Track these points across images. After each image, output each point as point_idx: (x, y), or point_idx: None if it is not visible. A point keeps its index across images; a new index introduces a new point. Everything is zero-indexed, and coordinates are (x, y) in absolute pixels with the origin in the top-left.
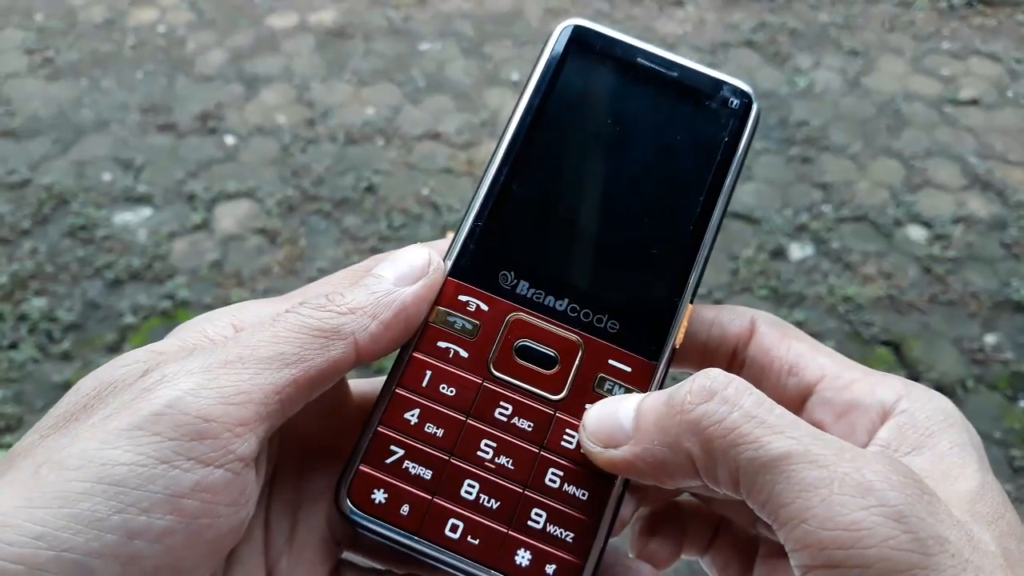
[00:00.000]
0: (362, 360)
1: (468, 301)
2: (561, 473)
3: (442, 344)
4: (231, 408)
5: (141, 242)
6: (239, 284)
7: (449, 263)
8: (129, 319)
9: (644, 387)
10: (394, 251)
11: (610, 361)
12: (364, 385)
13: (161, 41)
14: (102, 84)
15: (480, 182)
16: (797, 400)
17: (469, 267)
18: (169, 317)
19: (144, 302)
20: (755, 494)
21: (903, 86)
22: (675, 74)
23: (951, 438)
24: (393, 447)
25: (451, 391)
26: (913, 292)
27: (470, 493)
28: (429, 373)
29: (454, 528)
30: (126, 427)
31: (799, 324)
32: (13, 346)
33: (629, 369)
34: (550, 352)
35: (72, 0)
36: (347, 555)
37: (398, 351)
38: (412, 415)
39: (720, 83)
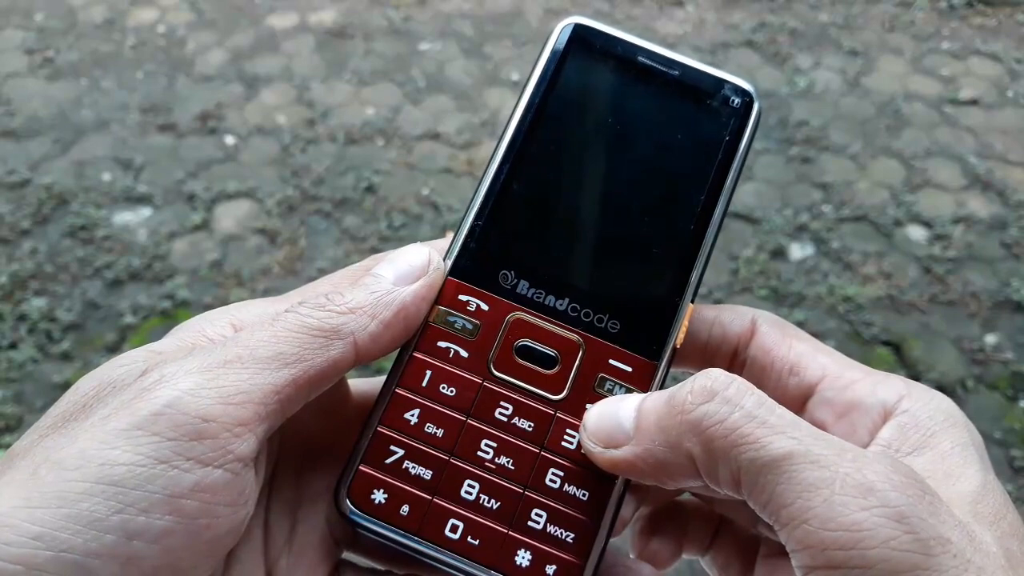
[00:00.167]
0: (361, 360)
1: (468, 301)
2: (561, 473)
3: (442, 344)
4: (230, 408)
5: (141, 242)
6: (239, 284)
7: (449, 262)
8: (129, 319)
9: (645, 387)
10: (394, 250)
11: (611, 361)
12: (364, 385)
13: (161, 41)
14: (102, 84)
15: (480, 181)
16: (798, 400)
17: (469, 266)
18: (169, 317)
19: (144, 302)
20: (756, 494)
21: (903, 86)
22: (676, 72)
23: (952, 438)
24: (393, 447)
25: (451, 391)
26: (913, 292)
27: (470, 493)
28: (429, 373)
29: (454, 528)
30: (125, 427)
31: (799, 324)
32: (13, 346)
33: (630, 369)
34: (550, 352)
35: (72, 0)
36: (347, 555)
37: (398, 351)
38: (412, 415)
39: (721, 81)
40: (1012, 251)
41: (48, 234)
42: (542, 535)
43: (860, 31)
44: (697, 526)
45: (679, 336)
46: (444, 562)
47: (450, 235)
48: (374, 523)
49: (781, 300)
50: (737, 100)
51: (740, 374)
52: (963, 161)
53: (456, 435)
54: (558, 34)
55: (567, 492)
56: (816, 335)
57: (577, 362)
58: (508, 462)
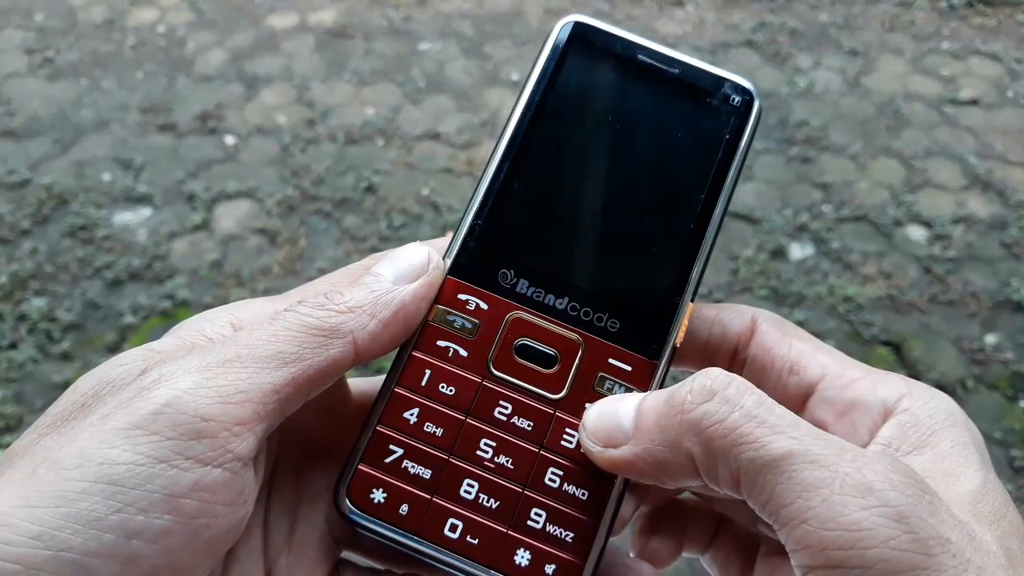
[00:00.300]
0: (361, 359)
1: (468, 300)
2: (561, 473)
3: (441, 343)
4: (229, 407)
5: (141, 242)
6: (239, 284)
7: (449, 261)
8: (129, 319)
9: (644, 386)
10: (393, 249)
11: (610, 360)
12: (363, 384)
13: (161, 41)
14: (102, 84)
15: (480, 180)
16: (798, 399)
17: (469, 265)
18: (169, 317)
19: (144, 302)
20: (756, 494)
21: (903, 86)
22: (676, 71)
23: (953, 437)
24: (392, 446)
25: (450, 390)
26: (913, 292)
27: (469, 493)
28: (428, 372)
29: (453, 528)
30: (124, 426)
31: (799, 324)
32: (13, 346)
33: (629, 368)
34: (550, 351)
35: (72, 0)
36: (346, 554)
37: (397, 350)
38: (411, 414)
39: (721, 80)
40: (1012, 251)
41: (48, 234)
42: (541, 534)
43: (860, 31)
44: (697, 524)
45: (679, 335)
46: (443, 561)
47: (450, 234)
48: (373, 522)
49: (781, 300)
50: (737, 98)
51: (740, 373)
52: (963, 161)
53: (455, 434)
54: (558, 32)
55: (566, 491)
56: (816, 335)
57: (577, 361)
58: (507, 461)
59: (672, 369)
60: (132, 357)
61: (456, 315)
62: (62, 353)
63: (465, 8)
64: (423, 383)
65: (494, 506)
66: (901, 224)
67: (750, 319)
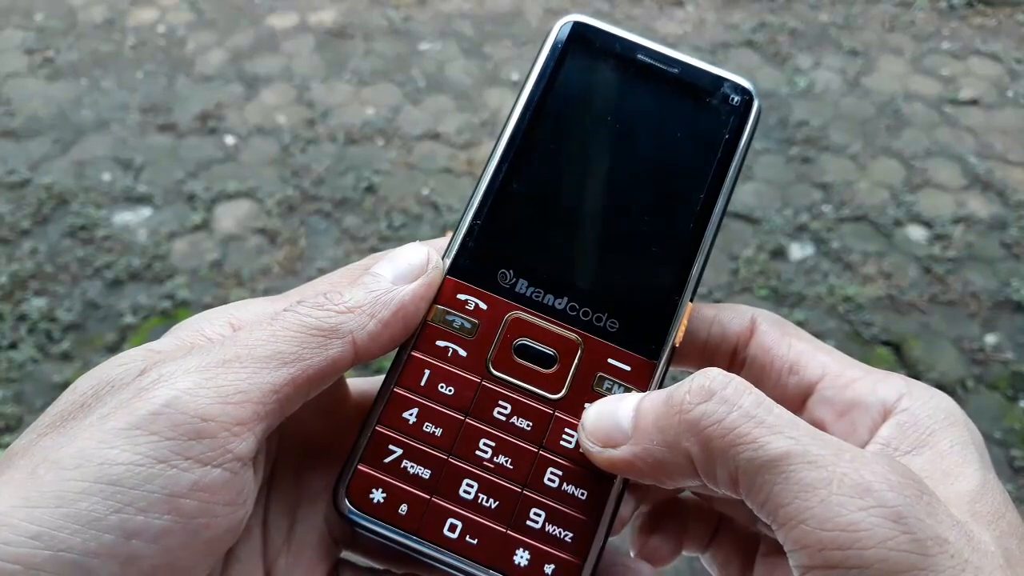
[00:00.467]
0: (360, 359)
1: (467, 300)
2: (560, 472)
3: (441, 343)
4: (229, 407)
5: (141, 242)
6: (239, 284)
7: (448, 261)
8: (129, 319)
9: (643, 386)
10: (393, 249)
11: (609, 360)
12: (363, 384)
13: (161, 41)
14: (102, 84)
15: (479, 180)
16: (798, 399)
17: (468, 265)
18: (169, 317)
19: (144, 302)
20: (754, 494)
21: (903, 86)
22: (675, 70)
23: (952, 437)
24: (391, 446)
25: (450, 390)
26: (913, 292)
27: (469, 493)
28: (428, 372)
29: (453, 528)
30: (123, 426)
31: (799, 324)
32: (13, 346)
33: (628, 368)
34: (549, 351)
35: (72, 0)
36: (346, 554)
37: (396, 350)
38: (410, 414)
39: (721, 79)
40: (1012, 251)
41: (48, 234)
42: (541, 534)
43: (860, 31)
44: (697, 523)
45: (678, 335)
46: (443, 561)
47: (449, 234)
48: (373, 522)
49: (781, 300)
50: (737, 98)
51: (740, 373)
52: (963, 161)
53: (455, 434)
54: (557, 32)
55: (566, 491)
56: (816, 335)
57: (576, 361)
58: (507, 461)
59: (671, 369)
60: (131, 357)
61: (455, 315)
62: (62, 353)
63: (465, 8)
64: (422, 383)
65: (493, 506)
66: (901, 224)
67: (749, 319)
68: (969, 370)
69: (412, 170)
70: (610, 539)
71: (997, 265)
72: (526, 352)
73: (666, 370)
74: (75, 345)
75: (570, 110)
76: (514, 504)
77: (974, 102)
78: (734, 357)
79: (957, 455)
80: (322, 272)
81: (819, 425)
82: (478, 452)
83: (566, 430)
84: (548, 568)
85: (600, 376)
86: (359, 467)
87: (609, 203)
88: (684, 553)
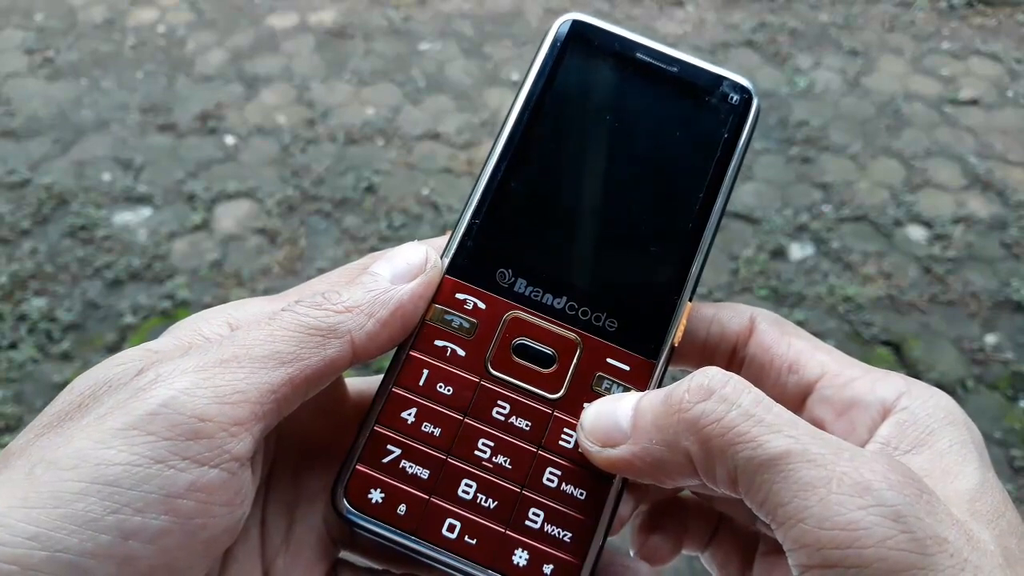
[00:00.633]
0: (359, 359)
1: (465, 299)
2: (559, 472)
3: (439, 343)
4: (226, 407)
5: (141, 242)
6: (239, 284)
7: (446, 261)
8: (129, 319)
9: (642, 386)
10: (391, 249)
11: (608, 360)
12: (361, 384)
13: (161, 41)
14: (102, 84)
15: (477, 179)
16: (797, 398)
17: (466, 265)
18: (169, 317)
19: (144, 302)
20: (753, 493)
21: (903, 86)
22: (674, 69)
23: (951, 436)
24: (390, 446)
25: (448, 390)
26: (913, 292)
27: (467, 493)
28: (426, 372)
29: (451, 528)
30: (121, 427)
31: (799, 324)
32: (13, 346)
33: (627, 368)
34: (548, 351)
35: (72, 0)
36: (344, 555)
37: (395, 350)
38: (409, 414)
39: (720, 78)
40: (1012, 251)
41: (48, 234)
42: (539, 534)
43: (860, 31)
44: (696, 522)
45: (677, 334)
46: (441, 562)
47: (448, 234)
48: (371, 523)
49: (781, 300)
50: (736, 97)
51: (739, 373)
52: (963, 161)
53: (453, 434)
54: (556, 30)
55: (565, 491)
56: (816, 335)
57: (575, 361)
58: (505, 461)
59: (671, 369)
60: (129, 357)
61: (454, 315)
62: (62, 353)
63: (465, 8)
64: (421, 383)
65: (492, 506)
66: (901, 224)
67: (749, 318)
68: (969, 370)
69: (412, 170)
70: (609, 539)
71: (997, 265)
72: (525, 352)
73: (665, 369)
74: (75, 345)
75: (569, 109)
76: (513, 504)
77: (974, 102)
78: (733, 356)
79: (956, 454)
80: (322, 272)
81: (818, 424)
82: (477, 452)
83: (565, 430)
84: (547, 568)
85: (599, 376)
86: (357, 467)
87: (608, 202)
88: (684, 552)
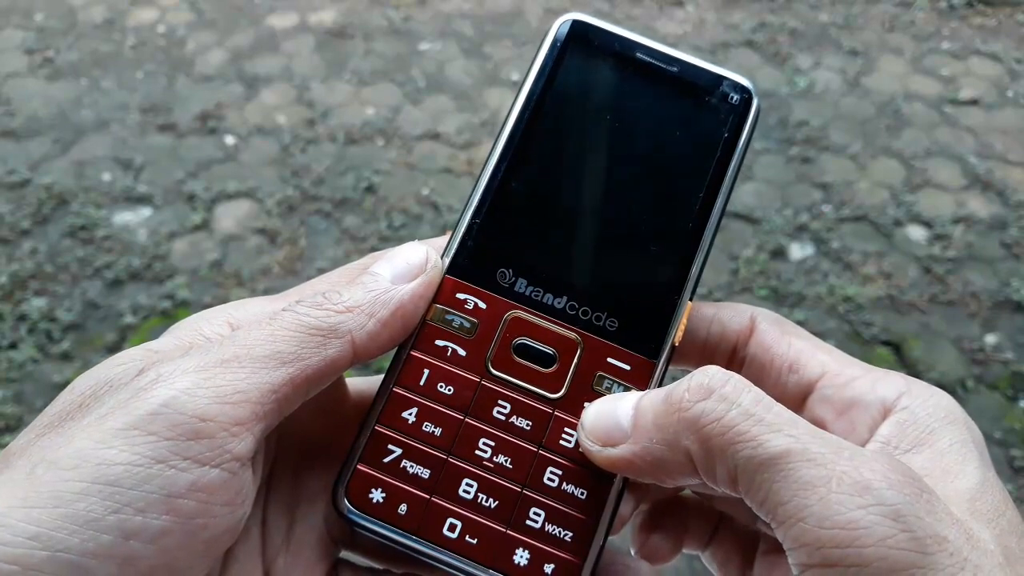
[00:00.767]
0: (359, 359)
1: (466, 299)
2: (560, 472)
3: (440, 342)
4: (227, 407)
5: (141, 242)
6: (239, 284)
7: (447, 261)
8: (129, 319)
9: (643, 385)
10: (391, 249)
11: (609, 359)
12: (362, 384)
13: (161, 41)
14: (102, 84)
15: (478, 179)
16: (798, 397)
17: (467, 265)
18: (169, 317)
19: (144, 302)
20: (753, 492)
21: (903, 86)
22: (674, 69)
23: (952, 435)
24: (391, 446)
25: (449, 390)
26: (913, 292)
27: (468, 492)
28: (427, 372)
29: (452, 527)
30: (122, 426)
31: (799, 324)
32: (13, 346)
33: (628, 367)
34: (548, 350)
35: (72, 0)
36: (345, 554)
37: (395, 349)
38: (410, 414)
39: (720, 78)
40: (1012, 251)
41: (48, 234)
42: (540, 534)
43: (860, 31)
44: (697, 522)
45: (677, 334)
46: (442, 561)
47: (449, 233)
48: (372, 522)
49: (781, 300)
50: (736, 96)
51: (739, 372)
52: (963, 161)
53: (454, 434)
54: (556, 30)
55: (565, 491)
56: (816, 335)
57: (575, 360)
58: (506, 461)
59: (671, 368)
60: (130, 357)
61: (455, 314)
62: (62, 353)
63: (465, 8)
64: (422, 382)
65: (493, 506)
66: (901, 224)
67: (749, 317)
68: (969, 370)
69: (412, 170)
70: (610, 538)
71: (997, 265)
72: (525, 351)
73: (666, 369)
74: (75, 345)
75: (569, 109)
76: (514, 504)
77: (974, 102)
78: (734, 356)
79: (957, 453)
80: (322, 272)
81: (819, 423)
82: (478, 452)
83: (565, 429)
84: (548, 567)
85: (599, 375)
86: (358, 467)
87: (608, 202)
88: (684, 551)
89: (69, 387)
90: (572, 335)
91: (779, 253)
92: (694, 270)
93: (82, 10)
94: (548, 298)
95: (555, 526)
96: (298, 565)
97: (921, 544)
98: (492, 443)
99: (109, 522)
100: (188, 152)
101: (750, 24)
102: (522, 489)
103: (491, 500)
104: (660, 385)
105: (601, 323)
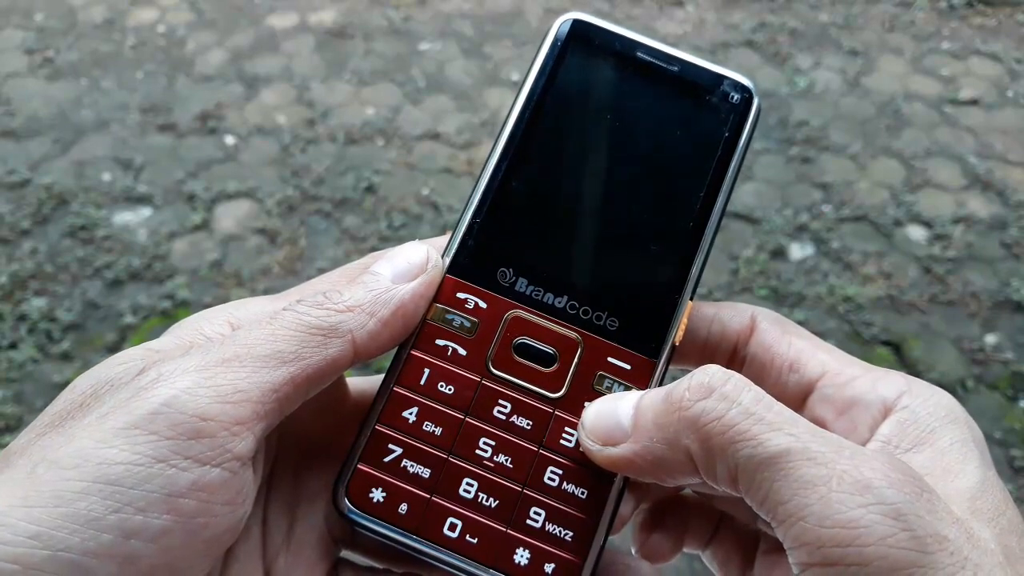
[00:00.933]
0: (360, 358)
1: (466, 298)
2: (560, 471)
3: (440, 342)
4: (228, 407)
5: (141, 242)
6: (239, 284)
7: (447, 260)
8: (129, 319)
9: (643, 385)
10: (392, 248)
11: (609, 359)
12: (362, 383)
13: (161, 41)
14: (102, 84)
15: (478, 178)
16: (798, 397)
17: (467, 264)
18: (169, 317)
19: (144, 302)
20: (753, 491)
21: (903, 86)
22: (675, 68)
23: (952, 434)
24: (391, 446)
25: (449, 389)
26: (913, 292)
27: (469, 492)
28: (427, 371)
29: (452, 527)
30: (122, 426)
31: (799, 324)
32: (13, 346)
33: (628, 367)
34: (549, 350)
35: (72, 0)
36: (345, 554)
37: (396, 349)
38: (410, 413)
39: (720, 77)
40: (1012, 251)
41: (48, 234)
42: (541, 533)
43: (860, 31)
44: (697, 521)
45: (678, 333)
46: (443, 561)
47: (449, 233)
48: (372, 522)
49: (781, 300)
50: (736, 96)
51: (740, 372)
52: (963, 161)
53: (454, 433)
54: (556, 30)
55: (566, 490)
56: (816, 335)
57: (576, 360)
58: (507, 460)
59: (671, 368)
60: (130, 356)
61: (455, 314)
62: (62, 353)
63: (465, 8)
64: (422, 382)
65: (493, 505)
66: (901, 224)
67: (749, 317)
68: (969, 370)
69: (412, 170)
70: (610, 538)
71: (997, 265)
72: (526, 351)
73: (666, 369)
74: (75, 345)
75: (569, 108)
76: (514, 503)
77: (974, 102)
78: (734, 355)
79: (957, 452)
80: (322, 272)
81: (819, 423)
82: (478, 451)
83: (566, 429)
84: (548, 567)
85: (600, 375)
86: (359, 466)
87: (609, 201)
88: (684, 551)
89: (70, 386)
90: (572, 334)
91: (779, 253)
92: (694, 270)
93: (82, 10)
94: (548, 297)
95: (555, 526)
96: (299, 564)
97: (921, 543)
98: (492, 443)
99: (110, 521)
100: (188, 152)
101: (750, 24)
102: (522, 489)
103: (491, 500)
104: (660, 384)
105: (601, 322)
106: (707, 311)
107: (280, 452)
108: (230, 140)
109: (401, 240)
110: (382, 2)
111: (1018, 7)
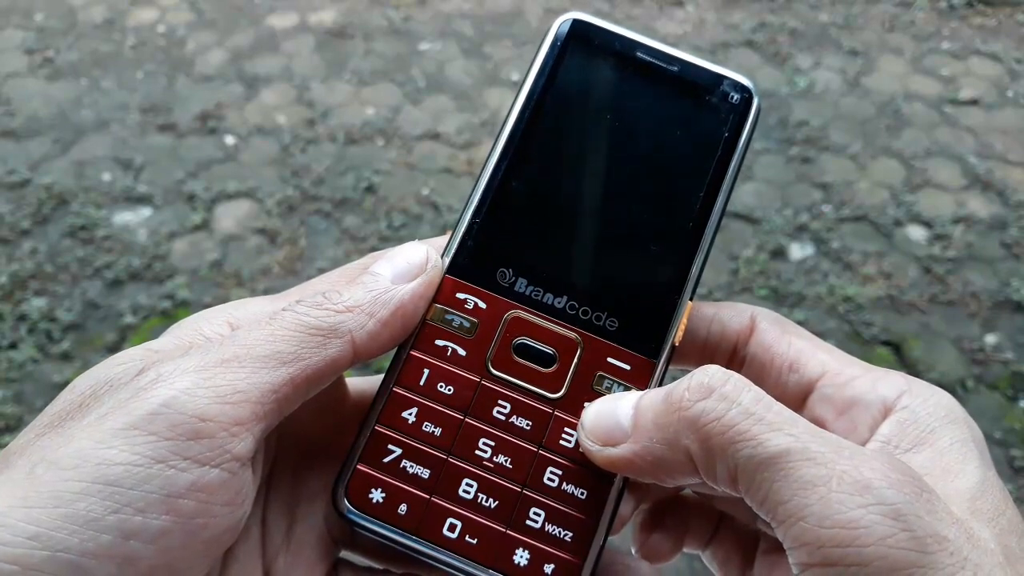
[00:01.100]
0: (359, 359)
1: (466, 299)
2: (560, 472)
3: (440, 342)
4: (227, 407)
5: (141, 242)
6: (239, 284)
7: (447, 260)
8: (129, 319)
9: (643, 385)
10: (392, 248)
11: (609, 359)
12: (362, 383)
13: (161, 41)
14: (102, 84)
15: (478, 178)
16: (798, 397)
17: (467, 264)
18: (169, 317)
19: (144, 302)
20: (753, 491)
21: (903, 86)
22: (675, 68)
23: (952, 434)
24: (391, 446)
25: (449, 390)
26: (913, 292)
27: (468, 492)
28: (427, 371)
29: (452, 527)
30: (122, 426)
31: (799, 324)
32: (13, 346)
33: (628, 367)
34: (548, 350)
35: (72, 0)
36: (345, 554)
37: (396, 349)
38: (410, 414)
39: (720, 77)
40: (1012, 251)
41: (48, 234)
42: (540, 534)
43: (860, 31)
44: (697, 521)
45: (678, 334)
46: (442, 561)
47: (449, 233)
48: (372, 522)
49: (781, 300)
50: (736, 96)
51: (740, 372)
52: (963, 161)
53: (454, 434)
54: (556, 29)
55: (565, 491)
56: (816, 335)
57: (575, 360)
58: (506, 461)
59: (671, 368)
60: (130, 356)
61: (455, 314)
62: (62, 353)
63: (465, 8)
64: (421, 382)
65: (493, 506)
66: (901, 224)
67: (749, 317)
68: (969, 370)
69: (412, 170)
70: (610, 538)
71: (997, 265)
72: (526, 351)
73: (666, 369)
74: (75, 345)
75: (569, 108)
76: (514, 504)
77: (974, 102)
78: (734, 355)
79: (957, 452)
80: (322, 272)
81: (819, 423)
82: (478, 452)
83: (566, 429)
84: (548, 567)
85: (600, 375)
86: (358, 467)
87: (609, 202)
88: (684, 551)
89: (69, 387)
90: (572, 335)
91: (779, 253)
92: (694, 270)
93: (82, 10)
94: (548, 298)
95: (555, 526)
96: (298, 565)
97: (921, 543)
98: (492, 443)
99: (109, 522)
100: (188, 152)
101: (750, 24)
102: (522, 489)
103: (491, 500)
104: (660, 385)
105: (601, 323)
106: (707, 311)
107: (279, 452)
108: (230, 140)
109: (401, 240)
110: (382, 2)
111: (1018, 7)
